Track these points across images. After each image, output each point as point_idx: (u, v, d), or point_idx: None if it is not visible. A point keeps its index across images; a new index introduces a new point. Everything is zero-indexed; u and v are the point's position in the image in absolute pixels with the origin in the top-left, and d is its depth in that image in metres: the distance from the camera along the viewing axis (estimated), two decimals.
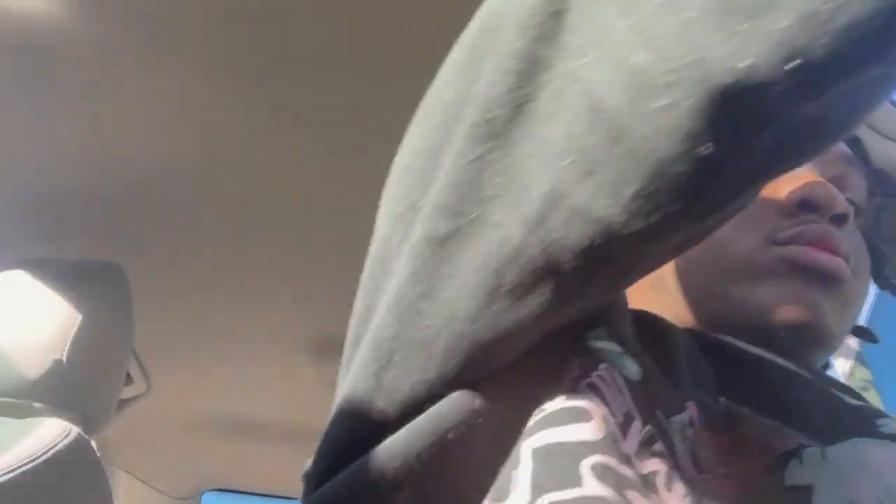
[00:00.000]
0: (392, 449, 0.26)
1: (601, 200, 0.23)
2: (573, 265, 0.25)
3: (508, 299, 0.26)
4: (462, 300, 0.27)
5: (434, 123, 0.31)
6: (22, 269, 0.84)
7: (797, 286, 0.40)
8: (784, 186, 0.42)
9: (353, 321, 0.34)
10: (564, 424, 0.25)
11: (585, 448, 0.24)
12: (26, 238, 1.07)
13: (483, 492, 0.26)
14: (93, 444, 0.76)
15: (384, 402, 0.28)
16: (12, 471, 0.64)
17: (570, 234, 0.24)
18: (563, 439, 0.25)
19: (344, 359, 0.34)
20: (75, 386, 0.78)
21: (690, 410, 0.31)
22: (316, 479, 0.29)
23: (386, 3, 0.71)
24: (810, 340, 0.41)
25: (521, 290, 0.26)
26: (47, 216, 1.02)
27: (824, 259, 0.40)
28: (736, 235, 0.41)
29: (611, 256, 0.25)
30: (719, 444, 0.29)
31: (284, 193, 0.98)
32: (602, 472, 0.23)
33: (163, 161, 0.93)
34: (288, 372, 1.34)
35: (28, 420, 0.72)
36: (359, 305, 0.34)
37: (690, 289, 0.44)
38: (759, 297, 0.40)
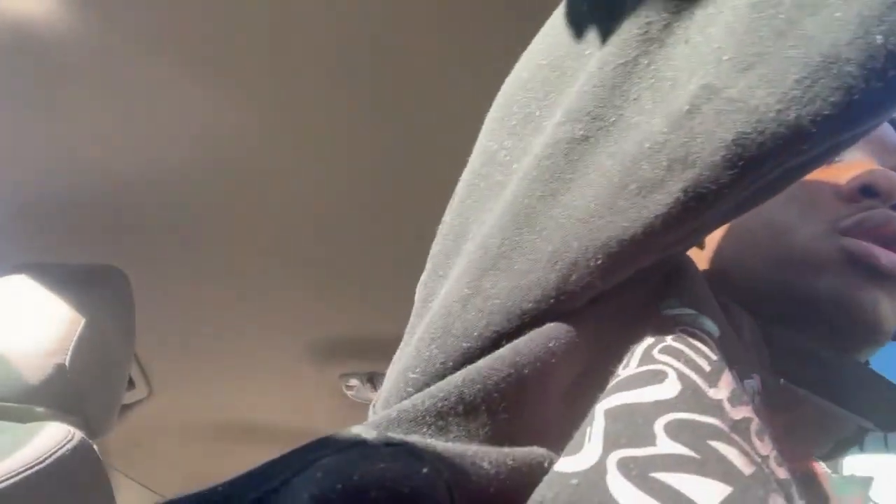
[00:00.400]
0: (473, 376, 0.26)
1: (760, 90, 0.24)
2: (715, 159, 0.25)
3: (636, 196, 0.27)
4: (583, 200, 0.28)
5: (561, 37, 0.32)
6: (24, 273, 0.84)
7: (858, 282, 0.39)
8: (843, 174, 0.42)
9: (440, 245, 0.34)
10: (638, 387, 0.25)
11: (660, 407, 0.24)
12: (29, 242, 1.08)
13: (552, 436, 0.26)
14: (95, 448, 0.76)
15: (474, 314, 0.28)
16: (16, 475, 0.64)
17: (722, 123, 0.25)
18: (636, 400, 0.25)
19: (422, 294, 0.34)
20: (78, 390, 0.78)
21: (756, 380, 0.31)
22: (396, 400, 0.29)
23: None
24: (864, 338, 0.41)
25: (651, 185, 0.26)
26: (50, 221, 1.02)
27: (885, 258, 0.39)
28: (798, 222, 0.41)
29: (757, 157, 0.25)
30: (776, 423, 0.29)
31: (286, 198, 0.98)
32: (677, 429, 0.23)
33: (165, 166, 0.93)
34: (290, 376, 1.33)
35: (31, 425, 0.72)
36: (450, 225, 0.34)
37: (747, 275, 0.43)
38: (819, 291, 0.40)
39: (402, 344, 0.34)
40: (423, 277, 0.35)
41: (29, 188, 0.97)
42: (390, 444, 0.23)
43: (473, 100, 0.83)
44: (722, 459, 0.22)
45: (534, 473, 0.24)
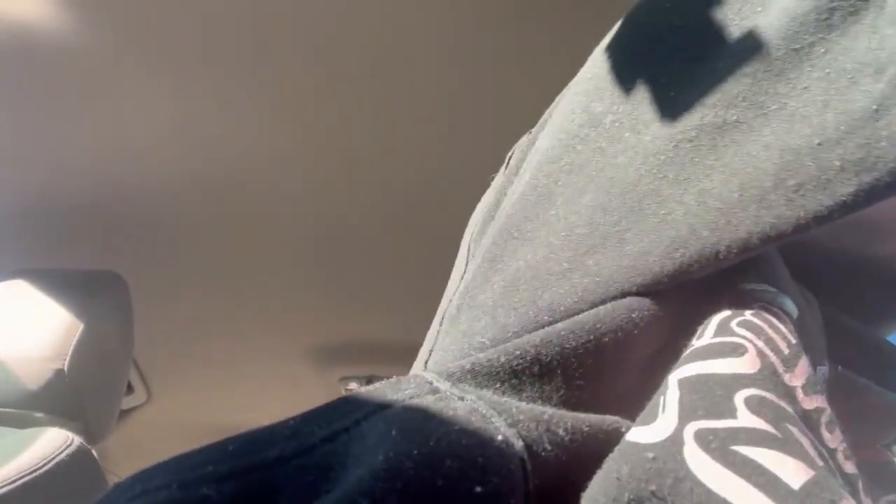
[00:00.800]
0: (551, 338, 0.25)
1: None
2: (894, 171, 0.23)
3: (793, 192, 0.25)
4: (725, 189, 0.26)
5: (701, 11, 0.29)
6: (23, 279, 0.84)
7: None
8: None
9: (517, 203, 0.32)
10: (715, 358, 0.24)
11: (740, 380, 0.23)
12: (27, 248, 1.08)
13: (625, 410, 0.25)
14: (94, 453, 0.76)
15: (567, 289, 0.27)
16: (15, 481, 0.64)
17: None
18: (714, 370, 0.23)
19: (490, 252, 0.32)
20: (77, 396, 0.78)
21: (827, 367, 0.30)
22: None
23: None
24: None
25: (814, 184, 0.24)
26: (48, 226, 1.02)
27: None
28: None
29: None
30: (838, 411, 0.28)
31: (285, 203, 0.98)
32: (759, 405, 0.22)
33: (165, 171, 0.93)
34: (289, 380, 1.33)
35: (30, 430, 0.72)
36: (531, 185, 0.32)
37: (800, 247, 0.42)
38: (880, 256, 0.38)
39: (454, 300, 0.32)
40: (479, 231, 0.33)
41: (27, 194, 0.97)
42: (464, 399, 0.22)
43: (476, 105, 0.83)
44: (799, 445, 0.21)
45: (609, 440, 0.23)
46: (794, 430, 0.22)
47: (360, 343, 1.24)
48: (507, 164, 0.39)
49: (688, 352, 0.25)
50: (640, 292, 0.27)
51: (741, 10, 0.28)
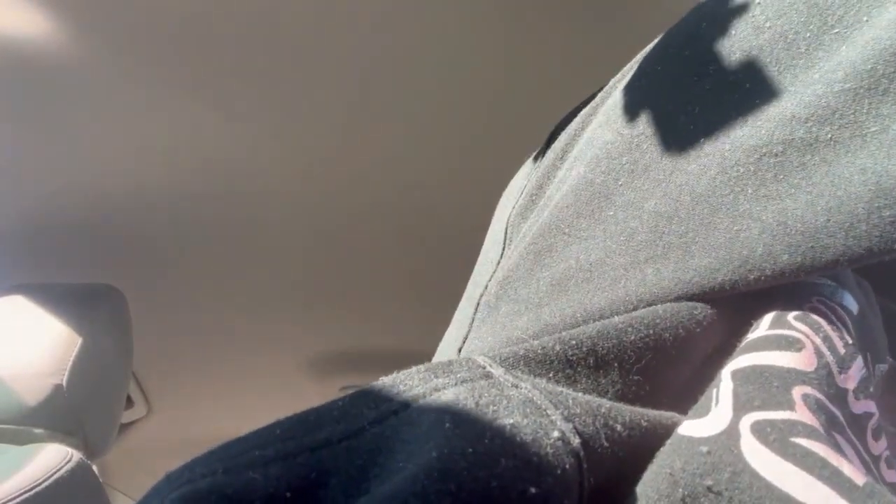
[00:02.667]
0: (608, 330, 0.24)
1: None
2: None
3: (889, 226, 0.23)
4: (810, 212, 0.24)
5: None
6: (20, 293, 0.84)
7: None
8: None
9: (569, 197, 0.30)
10: (771, 350, 0.23)
11: (796, 375, 0.22)
12: (24, 262, 1.07)
13: (681, 408, 0.24)
14: (94, 468, 0.75)
15: (622, 295, 0.26)
16: (14, 498, 0.63)
17: None
18: (770, 362, 0.22)
19: (539, 244, 0.30)
20: (76, 411, 0.77)
21: (889, 364, 0.29)
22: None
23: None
24: None
25: None
26: (46, 240, 1.02)
27: None
28: None
29: None
30: (892, 406, 0.27)
31: (282, 214, 0.98)
32: (815, 405, 0.21)
33: (163, 185, 0.93)
34: (290, 391, 1.33)
35: (29, 447, 0.71)
36: (587, 180, 0.30)
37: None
38: None
39: (493, 288, 0.31)
40: (518, 215, 0.32)
41: (24, 208, 0.97)
42: (518, 387, 0.21)
43: (475, 119, 0.83)
44: (845, 455, 0.20)
45: (669, 436, 0.21)
46: (841, 438, 0.21)
47: (360, 353, 1.24)
48: (549, 144, 0.37)
49: (743, 343, 0.24)
50: (709, 296, 0.26)
51: (843, 18, 0.26)
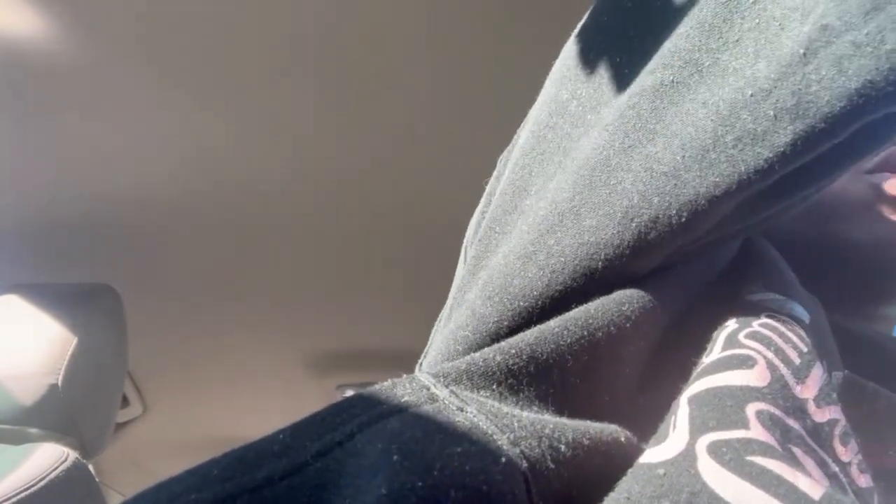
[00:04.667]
0: (545, 335, 0.24)
1: (893, 34, 0.21)
2: (832, 110, 0.22)
3: (732, 149, 0.24)
4: (668, 152, 0.25)
5: None
6: (15, 293, 0.83)
7: (891, 217, 0.37)
8: None
9: (498, 199, 0.31)
10: (724, 371, 0.23)
11: (750, 393, 0.22)
12: (19, 262, 1.07)
13: (624, 415, 0.24)
14: (90, 467, 0.75)
15: (535, 272, 0.26)
16: (10, 498, 0.63)
17: (844, 70, 0.22)
18: (723, 383, 0.22)
19: (477, 250, 0.31)
20: (71, 410, 0.77)
21: (844, 373, 0.29)
22: (446, 359, 0.27)
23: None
24: None
25: (752, 138, 0.24)
26: (40, 240, 1.02)
27: None
28: None
29: (878, 103, 0.22)
30: (849, 418, 0.27)
31: (279, 213, 0.98)
32: (769, 420, 0.21)
33: (157, 183, 0.93)
34: (286, 389, 1.33)
35: (24, 446, 0.71)
36: (510, 179, 0.31)
37: (779, 236, 0.40)
38: (854, 237, 0.37)
39: (449, 301, 0.32)
40: (473, 234, 0.33)
41: (19, 209, 0.97)
42: (463, 410, 0.21)
43: (472, 115, 0.83)
44: (803, 467, 0.21)
45: (610, 453, 0.22)
46: (798, 451, 0.21)
47: (357, 351, 1.24)
48: (497, 167, 0.39)
49: (698, 370, 0.24)
50: (611, 269, 0.26)
51: None
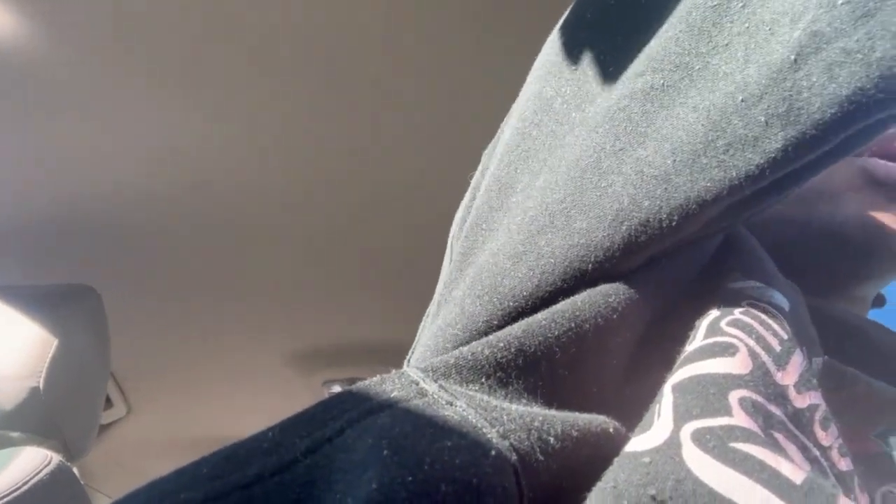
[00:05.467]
0: (533, 328, 0.24)
1: (884, 41, 0.22)
2: (823, 116, 0.23)
3: (723, 154, 0.24)
4: (659, 156, 0.25)
5: None
6: None
7: (880, 202, 0.38)
8: None
9: (483, 196, 0.32)
10: (706, 359, 0.23)
11: (732, 380, 0.22)
12: None
13: (611, 406, 0.24)
14: (75, 470, 0.74)
15: (525, 273, 0.26)
16: None
17: (835, 77, 0.22)
18: (705, 371, 0.23)
19: (464, 246, 0.31)
20: (54, 413, 0.76)
21: (823, 358, 0.29)
22: (434, 355, 0.27)
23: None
24: (893, 263, 0.39)
25: (743, 143, 0.24)
26: (20, 241, 1.00)
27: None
28: None
29: (870, 110, 0.22)
30: (829, 403, 0.27)
31: (261, 209, 0.97)
32: (752, 407, 0.21)
33: (138, 183, 0.92)
34: (272, 386, 1.32)
35: (6, 450, 0.70)
36: (495, 176, 0.31)
37: (765, 223, 0.40)
38: (840, 219, 0.38)
39: (436, 297, 0.32)
40: (459, 229, 0.33)
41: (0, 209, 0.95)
42: (452, 405, 0.21)
43: (453, 105, 0.83)
44: (785, 452, 0.21)
45: (599, 444, 0.22)
46: (780, 436, 0.22)
47: (342, 346, 1.24)
48: (482, 161, 0.39)
49: (681, 358, 0.25)
50: (600, 271, 0.26)
51: None
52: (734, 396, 0.22)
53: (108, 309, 0.92)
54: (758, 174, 0.24)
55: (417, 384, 0.22)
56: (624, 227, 0.25)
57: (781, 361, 0.24)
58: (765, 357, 0.24)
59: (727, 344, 0.24)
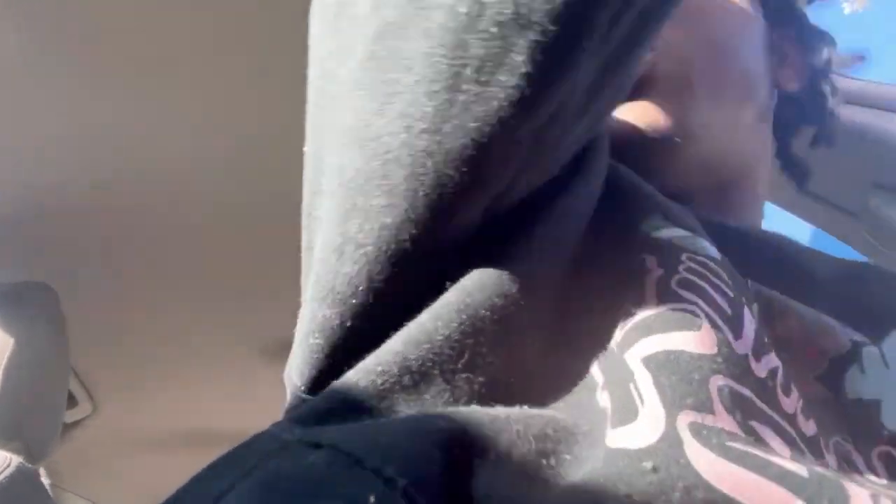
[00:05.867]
0: (416, 337, 0.22)
1: None
2: (553, 5, 0.20)
3: (475, 83, 0.21)
4: (417, 105, 0.22)
5: None
6: None
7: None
8: None
9: (307, 175, 0.29)
10: (672, 331, 0.21)
11: (706, 363, 0.20)
12: None
13: (534, 379, 0.22)
14: (41, 471, 0.73)
15: (350, 267, 0.23)
16: None
17: None
18: (677, 347, 0.20)
19: (304, 240, 0.29)
20: (13, 415, 0.75)
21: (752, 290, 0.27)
22: (308, 369, 0.25)
23: None
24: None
25: (489, 64, 0.20)
26: None
27: None
28: None
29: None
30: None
31: (222, 200, 0.95)
32: (729, 398, 0.20)
33: (89, 174, 0.89)
34: (242, 379, 1.31)
35: None
36: (308, 155, 0.29)
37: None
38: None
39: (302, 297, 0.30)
40: (305, 216, 0.30)
41: None
42: (319, 446, 0.18)
43: None
44: (768, 444, 0.19)
45: (546, 438, 0.19)
46: (757, 423, 0.20)
47: None
48: None
49: (632, 323, 0.22)
50: (424, 245, 0.23)
51: None
52: (713, 385, 0.20)
53: (67, 305, 0.89)
54: (519, 96, 0.20)
55: (279, 437, 0.20)
56: (421, 195, 0.22)
57: (736, 329, 0.23)
58: (722, 325, 0.22)
59: (688, 313, 0.22)
